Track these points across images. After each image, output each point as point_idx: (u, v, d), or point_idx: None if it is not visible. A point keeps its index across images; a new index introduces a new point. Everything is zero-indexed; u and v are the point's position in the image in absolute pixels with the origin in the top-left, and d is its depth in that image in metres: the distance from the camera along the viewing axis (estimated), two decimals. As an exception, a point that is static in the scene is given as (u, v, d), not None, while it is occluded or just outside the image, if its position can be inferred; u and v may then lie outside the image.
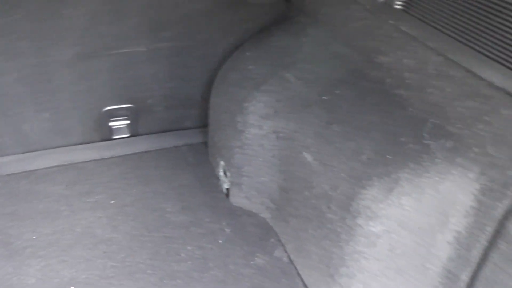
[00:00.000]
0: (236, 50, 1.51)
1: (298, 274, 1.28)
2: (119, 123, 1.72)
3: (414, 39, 1.00)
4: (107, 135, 1.72)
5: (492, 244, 0.88)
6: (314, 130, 1.14)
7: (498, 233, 0.86)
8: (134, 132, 1.75)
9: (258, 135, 1.33)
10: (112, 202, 1.49)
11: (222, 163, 1.52)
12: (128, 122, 1.73)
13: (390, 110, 1.03)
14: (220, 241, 1.37)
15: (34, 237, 1.35)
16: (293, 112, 1.23)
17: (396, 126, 1.00)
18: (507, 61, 0.89)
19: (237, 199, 1.49)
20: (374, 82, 1.09)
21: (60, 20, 1.43)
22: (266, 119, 1.30)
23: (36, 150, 1.65)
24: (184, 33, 1.57)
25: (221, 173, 1.54)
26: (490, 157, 0.86)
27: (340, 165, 1.05)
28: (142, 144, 1.73)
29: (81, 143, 1.69)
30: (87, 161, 1.64)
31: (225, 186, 1.53)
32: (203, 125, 1.75)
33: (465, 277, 0.95)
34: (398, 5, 1.01)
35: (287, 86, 1.27)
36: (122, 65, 1.57)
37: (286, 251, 1.34)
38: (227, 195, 1.53)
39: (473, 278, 0.93)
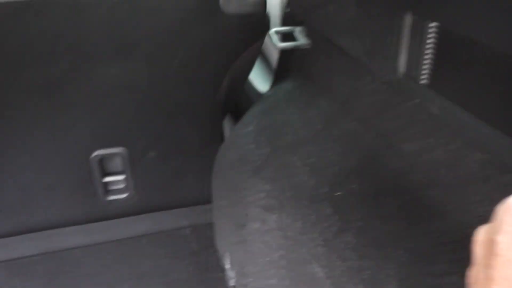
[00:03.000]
0: (238, 122, 1.29)
1: None
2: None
3: (448, 126, 0.75)
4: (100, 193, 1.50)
5: None
6: (324, 237, 0.89)
7: None
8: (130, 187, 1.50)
9: (261, 230, 1.09)
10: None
11: (228, 254, 1.29)
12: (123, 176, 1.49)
13: (419, 219, 0.77)
14: None
15: None
16: (300, 207, 0.98)
17: (427, 245, 0.74)
18: None
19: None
20: (396, 176, 0.84)
21: None
22: (270, 212, 1.07)
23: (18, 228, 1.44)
24: None
25: (228, 266, 1.30)
26: None
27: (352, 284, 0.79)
28: (140, 225, 1.52)
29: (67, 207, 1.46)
30: (75, 248, 1.44)
31: (231, 283, 1.28)
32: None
33: None
34: (424, 79, 0.77)
35: (292, 172, 1.03)
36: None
37: None
38: (233, 296, 1.28)
39: None
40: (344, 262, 0.83)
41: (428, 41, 0.75)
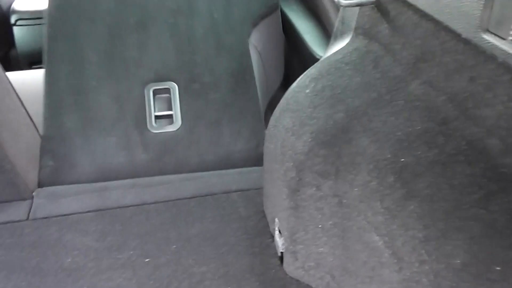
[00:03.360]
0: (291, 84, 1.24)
1: None
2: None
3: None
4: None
5: None
6: (384, 206, 0.84)
7: None
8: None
9: (315, 196, 1.05)
10: (146, 260, 1.27)
11: (277, 220, 1.26)
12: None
13: (495, 189, 0.71)
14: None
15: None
16: (358, 174, 0.93)
17: (502, 217, 0.67)
18: None
19: (292, 269, 1.21)
20: (470, 143, 0.77)
21: None
22: (325, 178, 1.02)
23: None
24: None
25: (277, 232, 1.28)
26: None
27: (421, 265, 0.74)
28: (189, 186, 1.52)
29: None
30: (126, 207, 1.45)
31: (280, 249, 1.26)
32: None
33: None
34: None
35: (351, 138, 0.98)
36: None
37: None
38: (281, 261, 1.26)
39: None
40: (406, 232, 0.78)
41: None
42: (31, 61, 2.33)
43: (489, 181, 0.72)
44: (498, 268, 0.66)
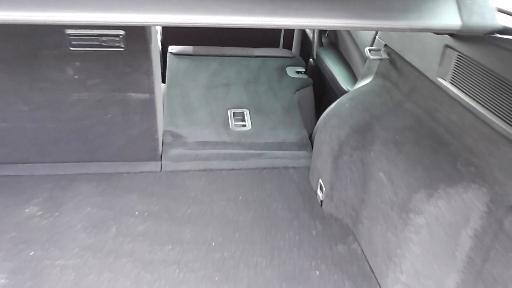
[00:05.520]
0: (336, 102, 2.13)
1: (367, 260, 1.81)
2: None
3: (456, 102, 1.54)
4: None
5: (496, 237, 1.37)
6: (388, 158, 1.70)
7: (499, 229, 1.35)
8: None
9: (348, 161, 1.91)
10: (240, 197, 2.12)
11: (320, 181, 2.11)
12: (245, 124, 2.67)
13: (439, 148, 1.57)
14: (314, 232, 1.94)
15: (189, 211, 2.01)
16: (374, 145, 1.80)
17: (441, 158, 1.53)
18: (506, 116, 1.40)
19: (328, 208, 2.05)
20: (430, 130, 1.64)
21: None
22: (355, 150, 1.88)
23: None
24: None
25: (318, 189, 2.13)
26: (496, 178, 1.37)
27: (402, 180, 1.59)
28: (262, 163, 2.38)
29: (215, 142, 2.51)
30: (223, 170, 2.31)
31: (320, 198, 2.10)
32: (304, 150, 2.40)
33: (479, 261, 1.43)
34: (447, 81, 1.56)
35: (372, 128, 1.84)
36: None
37: (359, 245, 1.88)
38: (321, 205, 2.10)
39: (484, 260, 1.41)
40: (397, 168, 1.63)
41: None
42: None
43: (437, 144, 1.57)
44: (442, 185, 1.49)
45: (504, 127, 1.33)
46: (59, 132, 2.13)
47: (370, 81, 2.11)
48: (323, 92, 3.07)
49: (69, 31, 1.84)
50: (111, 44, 1.90)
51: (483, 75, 1.42)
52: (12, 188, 2.06)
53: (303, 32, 3.48)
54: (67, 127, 2.12)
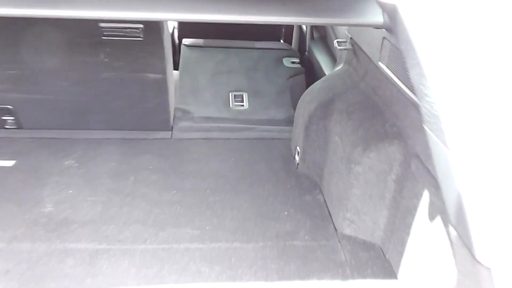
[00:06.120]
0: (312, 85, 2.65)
1: (327, 206, 2.31)
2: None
3: (389, 80, 2.03)
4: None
5: (407, 177, 1.86)
6: (341, 124, 2.20)
7: (409, 171, 1.84)
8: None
9: (316, 129, 2.42)
10: (232, 160, 2.65)
11: (297, 148, 2.62)
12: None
13: (376, 115, 2.06)
14: (288, 186, 2.45)
15: (191, 167, 2.55)
16: (333, 115, 2.30)
17: (376, 122, 2.03)
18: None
19: (302, 169, 2.57)
20: (373, 102, 2.14)
21: None
22: (320, 120, 2.39)
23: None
24: None
25: (296, 154, 2.64)
26: (408, 134, 1.86)
27: (348, 139, 2.10)
28: (253, 135, 2.90)
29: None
30: (220, 139, 2.84)
31: (297, 161, 2.61)
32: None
33: (399, 198, 1.92)
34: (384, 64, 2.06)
35: (333, 103, 2.35)
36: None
37: (323, 196, 2.38)
38: (297, 167, 2.61)
39: (401, 197, 1.90)
40: (346, 130, 2.13)
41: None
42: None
43: (375, 112, 2.07)
44: (374, 142, 1.98)
45: (412, 96, 1.82)
46: (90, 104, 2.69)
47: (340, 67, 2.61)
48: (313, 79, 3.57)
49: (102, 24, 2.39)
50: (133, 34, 2.44)
51: (401, 59, 1.92)
52: (55, 147, 2.63)
53: (299, 28, 3.98)
54: (96, 100, 2.68)
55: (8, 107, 2.68)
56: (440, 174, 1.23)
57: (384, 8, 1.39)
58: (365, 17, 1.81)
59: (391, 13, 1.31)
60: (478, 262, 1.08)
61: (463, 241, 1.14)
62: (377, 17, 1.85)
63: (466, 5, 1.16)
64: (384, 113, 2.05)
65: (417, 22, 1.20)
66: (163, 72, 2.62)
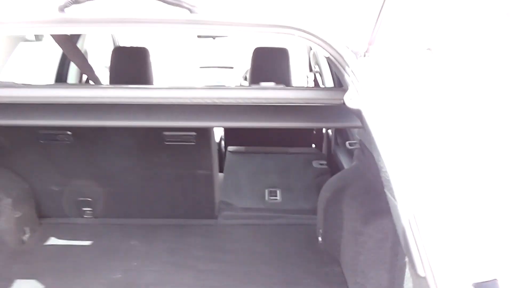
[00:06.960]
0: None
1: (343, 275, 2.77)
2: None
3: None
4: None
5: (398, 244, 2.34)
6: (350, 206, 2.74)
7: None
8: None
9: (332, 211, 2.95)
10: (265, 240, 3.18)
11: (320, 230, 3.13)
12: None
13: (375, 196, 2.61)
14: (310, 260, 2.94)
15: (232, 247, 3.10)
16: (345, 199, 2.84)
17: (375, 201, 2.57)
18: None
19: (323, 246, 3.06)
20: (375, 188, 2.70)
21: None
22: (335, 203, 2.93)
23: None
24: None
25: (319, 235, 3.14)
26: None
27: (355, 216, 2.62)
28: (284, 221, 3.45)
29: None
30: (257, 224, 3.41)
31: (320, 240, 3.11)
32: None
33: (395, 261, 2.38)
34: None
35: (345, 189, 2.91)
36: None
37: (341, 268, 2.84)
38: (320, 245, 3.11)
39: (396, 260, 2.36)
40: (352, 211, 2.66)
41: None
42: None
43: (370, 191, 2.61)
44: (372, 216, 2.49)
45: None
46: (152, 196, 3.37)
47: (353, 164, 3.20)
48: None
49: (165, 133, 3.14)
50: (187, 140, 3.16)
51: None
52: (123, 231, 3.28)
53: (327, 135, 4.66)
54: (157, 192, 3.36)
55: (88, 199, 3.39)
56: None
57: (353, 112, 2.00)
58: (351, 122, 2.36)
59: (359, 115, 1.92)
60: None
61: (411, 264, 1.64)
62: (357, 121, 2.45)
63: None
64: (381, 194, 2.58)
65: (378, 122, 1.81)
66: (210, 169, 3.30)
